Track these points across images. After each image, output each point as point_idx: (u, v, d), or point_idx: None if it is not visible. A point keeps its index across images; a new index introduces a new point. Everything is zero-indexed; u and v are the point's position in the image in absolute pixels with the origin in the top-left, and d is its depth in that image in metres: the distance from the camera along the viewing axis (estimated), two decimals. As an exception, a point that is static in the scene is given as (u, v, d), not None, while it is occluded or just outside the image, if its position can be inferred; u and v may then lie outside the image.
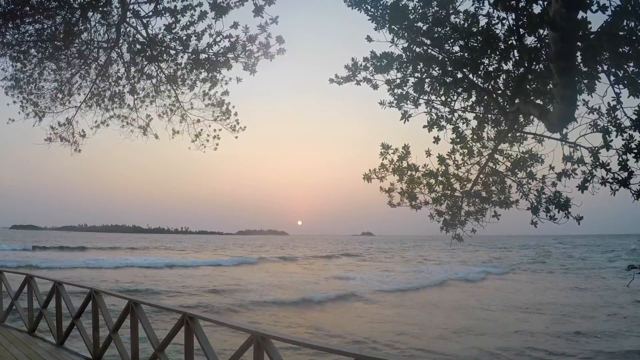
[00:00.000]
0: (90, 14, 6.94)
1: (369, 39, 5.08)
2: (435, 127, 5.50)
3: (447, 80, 5.27)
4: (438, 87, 5.40)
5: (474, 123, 5.62)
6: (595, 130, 4.59)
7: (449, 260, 61.40)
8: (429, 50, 5.18)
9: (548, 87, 4.92)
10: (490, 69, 5.16)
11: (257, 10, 5.38)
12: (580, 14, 3.69)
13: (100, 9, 6.91)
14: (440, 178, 5.66)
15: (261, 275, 38.32)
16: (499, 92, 5.26)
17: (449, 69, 5.17)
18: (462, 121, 5.60)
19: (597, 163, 4.66)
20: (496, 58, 5.07)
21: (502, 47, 4.97)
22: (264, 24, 5.73)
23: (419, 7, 5.05)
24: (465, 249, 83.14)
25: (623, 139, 4.41)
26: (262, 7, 5.35)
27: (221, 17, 6.06)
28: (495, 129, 5.62)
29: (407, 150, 5.70)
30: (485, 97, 5.33)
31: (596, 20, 4.06)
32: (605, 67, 4.38)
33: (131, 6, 6.96)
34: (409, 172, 5.71)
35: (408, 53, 5.20)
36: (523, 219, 5.39)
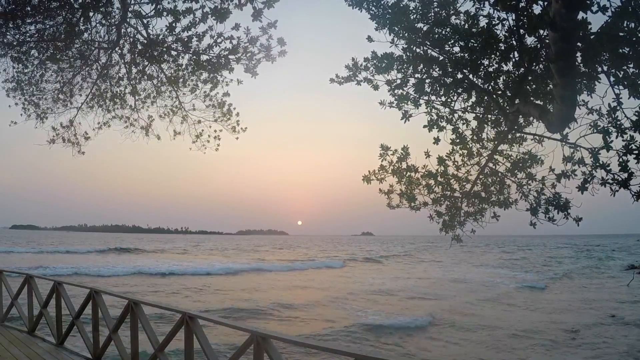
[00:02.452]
0: (91, 14, 6.95)
1: (369, 39, 5.09)
2: (435, 127, 5.51)
3: (448, 80, 5.28)
4: (438, 88, 5.40)
5: (474, 124, 5.62)
6: (595, 131, 4.59)
7: (479, 262, 58.26)
8: (430, 51, 5.19)
9: (548, 88, 4.93)
10: (491, 69, 5.17)
11: (256, 15, 5.37)
12: (581, 15, 3.69)
13: (101, 9, 6.92)
14: (439, 179, 5.66)
15: (409, 282, 33.63)
16: (499, 92, 5.27)
17: (449, 69, 5.18)
18: (462, 122, 5.61)
19: (597, 164, 4.66)
20: (496, 59, 5.08)
21: (502, 47, 4.98)
22: (265, 26, 5.74)
23: (419, 8, 5.06)
24: (476, 250, 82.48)
25: (623, 140, 4.41)
26: (261, 11, 5.35)
27: (223, 21, 6.06)
28: (495, 129, 5.63)
29: (406, 152, 5.70)
30: (486, 97, 5.33)
31: (596, 21, 4.08)
32: (605, 68, 4.39)
33: (132, 7, 6.97)
34: (408, 174, 5.71)
35: (408, 53, 5.21)
36: (521, 218, 5.39)
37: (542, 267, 49.59)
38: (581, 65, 4.43)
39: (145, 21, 7.06)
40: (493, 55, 5.07)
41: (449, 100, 5.48)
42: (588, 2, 3.75)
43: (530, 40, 4.81)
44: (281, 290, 28.54)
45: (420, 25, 5.11)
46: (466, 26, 5.04)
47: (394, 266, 52.03)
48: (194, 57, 7.05)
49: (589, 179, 4.77)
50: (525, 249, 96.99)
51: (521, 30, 4.57)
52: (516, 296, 26.67)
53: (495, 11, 4.79)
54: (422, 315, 19.07)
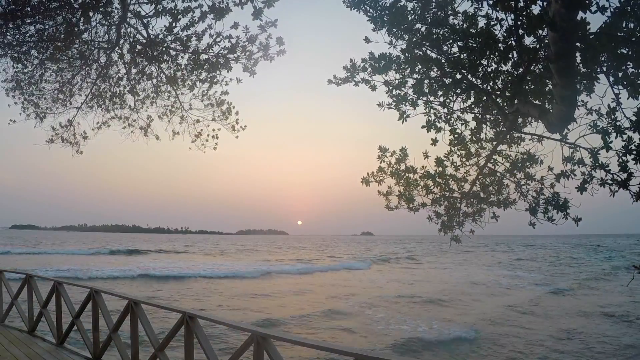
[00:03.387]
0: (90, 14, 6.94)
1: (367, 40, 5.09)
2: (433, 128, 5.51)
3: (446, 81, 5.27)
4: (437, 88, 5.40)
5: (472, 124, 5.62)
6: (594, 131, 4.59)
7: (488, 262, 57.52)
8: (428, 52, 5.18)
9: (547, 88, 4.93)
10: (489, 69, 5.16)
11: (256, 13, 5.38)
12: (580, 15, 3.69)
13: (100, 9, 6.92)
14: (438, 179, 5.66)
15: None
16: (498, 92, 5.26)
17: (448, 70, 5.18)
18: (460, 122, 5.61)
19: (597, 164, 4.66)
20: (495, 59, 5.07)
21: (501, 47, 4.97)
22: (264, 24, 5.75)
23: (417, 9, 5.06)
24: (477, 250, 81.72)
25: (623, 140, 4.41)
26: (262, 10, 5.36)
27: (222, 18, 6.06)
28: (494, 129, 5.62)
29: (404, 153, 5.69)
30: (484, 98, 5.33)
31: (596, 21, 4.08)
32: (604, 68, 4.38)
33: (132, 7, 6.98)
34: (406, 175, 5.71)
35: (407, 54, 5.20)
36: (520, 218, 5.39)
37: (559, 269, 48.46)
38: (580, 65, 4.43)
39: (145, 21, 7.07)
40: (492, 56, 5.06)
41: (447, 100, 5.47)
42: (587, 2, 3.76)
43: (529, 40, 4.81)
44: (333, 295, 27.61)
45: (418, 26, 5.11)
46: (464, 26, 5.04)
47: (416, 267, 50.97)
48: (193, 56, 7.05)
49: (588, 179, 4.77)
50: (540, 248, 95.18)
51: (520, 31, 4.57)
52: (548, 302, 24.61)
53: (494, 11, 4.79)
54: (464, 328, 17.54)
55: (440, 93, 5.43)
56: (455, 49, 5.14)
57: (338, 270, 46.28)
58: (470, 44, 5.02)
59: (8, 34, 7.30)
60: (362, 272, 45.17)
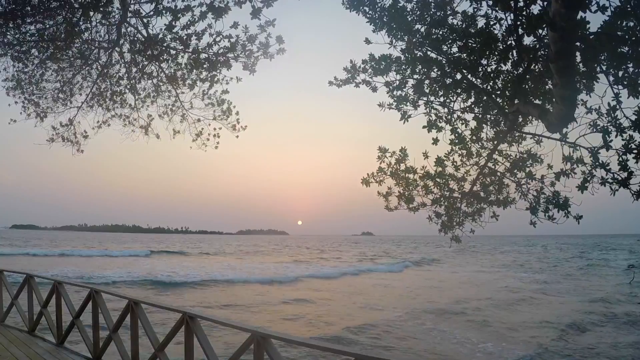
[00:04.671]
0: (91, 14, 6.95)
1: (367, 41, 5.09)
2: (434, 128, 5.51)
3: (446, 81, 5.28)
4: (437, 88, 5.40)
5: (473, 124, 5.62)
6: (595, 130, 4.59)
7: (499, 264, 55.92)
8: (428, 52, 5.18)
9: (547, 88, 4.93)
10: (489, 69, 5.16)
11: (254, 13, 5.37)
12: (580, 14, 3.69)
13: (101, 9, 6.92)
14: (437, 179, 5.66)
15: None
16: (498, 92, 5.26)
17: (448, 70, 5.18)
18: (461, 122, 5.61)
19: (597, 163, 4.67)
20: (495, 59, 5.08)
21: (501, 47, 4.98)
22: (263, 23, 5.75)
23: (416, 9, 5.06)
24: (478, 249, 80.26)
25: (623, 139, 4.41)
26: (260, 10, 5.35)
27: (220, 17, 6.06)
28: (494, 129, 5.62)
29: (404, 153, 5.69)
30: (485, 97, 5.33)
31: (595, 20, 4.07)
32: (604, 68, 4.38)
33: (132, 6, 6.98)
34: (406, 175, 5.70)
35: (407, 55, 5.21)
36: (520, 218, 5.39)
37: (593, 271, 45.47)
38: (580, 64, 4.43)
39: (145, 20, 7.07)
40: (492, 55, 5.06)
41: (448, 100, 5.47)
42: (587, 1, 3.76)
43: (529, 40, 4.81)
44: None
45: (418, 26, 5.11)
46: (464, 26, 5.04)
47: (439, 270, 49.03)
48: (194, 55, 7.05)
49: (588, 178, 4.77)
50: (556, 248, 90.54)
51: (520, 30, 4.57)
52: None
53: (493, 11, 4.80)
54: (530, 351, 14.67)
55: (440, 93, 5.43)
56: (455, 49, 5.15)
57: (373, 272, 44.75)
58: (470, 44, 5.02)
59: (8, 33, 7.30)
60: (397, 274, 43.71)
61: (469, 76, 5.19)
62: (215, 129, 8.22)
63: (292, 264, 54.05)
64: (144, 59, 7.67)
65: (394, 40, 5.15)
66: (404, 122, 5.34)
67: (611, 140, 4.45)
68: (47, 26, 7.24)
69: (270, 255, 71.50)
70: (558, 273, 44.03)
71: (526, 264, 57.46)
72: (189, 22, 6.43)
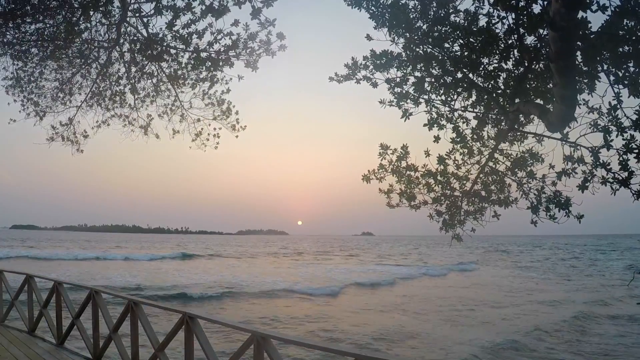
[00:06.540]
0: (91, 13, 6.94)
1: (368, 37, 5.09)
2: (435, 126, 5.50)
3: (447, 79, 5.27)
4: (438, 87, 5.39)
5: (474, 122, 5.61)
6: (595, 130, 4.58)
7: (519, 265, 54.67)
8: (429, 50, 5.18)
9: (548, 87, 4.93)
10: (490, 68, 5.16)
11: (254, 13, 5.37)
12: (580, 14, 3.69)
13: (101, 8, 6.91)
14: (439, 178, 5.65)
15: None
16: (499, 91, 5.26)
17: (449, 68, 5.17)
18: (462, 120, 5.60)
19: (598, 163, 4.66)
20: (496, 57, 5.07)
21: (502, 46, 4.97)
22: (263, 22, 5.74)
23: (418, 6, 5.05)
24: (476, 248, 78.64)
25: (623, 139, 4.40)
26: (260, 10, 5.34)
27: (220, 18, 6.06)
28: (496, 128, 5.62)
29: (405, 151, 5.69)
30: (486, 96, 5.32)
31: (596, 20, 4.07)
32: (605, 67, 4.38)
33: (132, 5, 6.97)
34: (408, 173, 5.70)
35: (408, 52, 5.21)
36: (522, 218, 5.38)
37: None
38: (581, 64, 4.43)
39: (145, 20, 7.06)
40: (493, 54, 5.06)
41: (449, 99, 5.47)
42: (588, 1, 3.75)
43: (530, 39, 4.80)
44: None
45: (419, 24, 5.11)
46: (466, 24, 5.03)
47: (488, 273, 45.22)
48: (194, 54, 7.04)
49: (589, 178, 4.77)
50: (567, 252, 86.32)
51: (521, 29, 4.56)
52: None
53: (495, 10, 4.79)
54: None
55: (441, 91, 5.43)
56: (456, 47, 5.15)
57: (449, 272, 43.22)
58: (471, 42, 5.02)
59: (8, 32, 7.30)
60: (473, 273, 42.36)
61: (470, 74, 5.19)
62: (215, 129, 8.23)
63: (359, 265, 51.57)
64: (143, 58, 7.66)
65: (395, 37, 5.15)
66: (405, 120, 5.34)
67: (612, 140, 4.45)
68: (47, 25, 7.24)
69: (326, 258, 68.06)
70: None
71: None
72: (189, 21, 6.42)
